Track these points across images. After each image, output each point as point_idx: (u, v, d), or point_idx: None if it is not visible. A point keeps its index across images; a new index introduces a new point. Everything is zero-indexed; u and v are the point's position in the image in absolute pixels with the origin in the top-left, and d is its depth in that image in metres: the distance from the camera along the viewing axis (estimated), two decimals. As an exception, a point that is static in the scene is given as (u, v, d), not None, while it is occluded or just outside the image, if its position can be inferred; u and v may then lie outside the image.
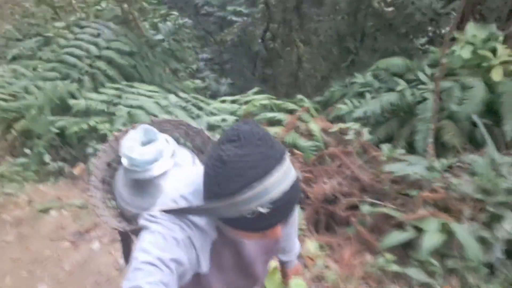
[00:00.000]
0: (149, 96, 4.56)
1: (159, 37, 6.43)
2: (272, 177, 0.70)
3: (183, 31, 7.46)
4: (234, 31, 8.05)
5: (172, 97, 4.39)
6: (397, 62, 3.92)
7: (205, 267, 0.89)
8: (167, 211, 0.84)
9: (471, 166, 2.79)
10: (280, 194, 0.71)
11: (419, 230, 2.48)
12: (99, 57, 5.38)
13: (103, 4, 6.75)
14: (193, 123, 1.60)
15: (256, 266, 1.04)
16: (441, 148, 3.47)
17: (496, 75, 3.53)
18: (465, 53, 3.55)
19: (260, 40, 7.83)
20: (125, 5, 6.14)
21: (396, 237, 2.46)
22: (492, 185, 2.63)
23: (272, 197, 0.70)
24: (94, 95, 4.65)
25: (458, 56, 3.56)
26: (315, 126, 3.29)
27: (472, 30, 3.78)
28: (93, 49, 5.36)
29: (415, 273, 2.33)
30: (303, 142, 3.23)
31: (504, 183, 2.61)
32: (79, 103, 4.47)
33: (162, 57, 6.41)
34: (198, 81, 6.66)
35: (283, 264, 1.43)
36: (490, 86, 3.59)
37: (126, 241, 1.35)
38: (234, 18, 9.10)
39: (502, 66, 3.62)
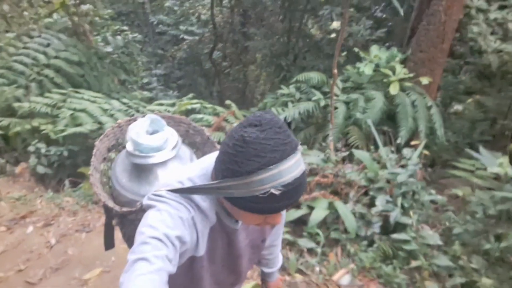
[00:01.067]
0: (93, 101, 4.87)
1: (109, 49, 6.76)
2: (287, 162, 0.75)
3: (134, 46, 7.84)
4: (183, 48, 8.50)
5: (114, 102, 4.75)
6: (313, 75, 4.52)
7: (202, 250, 0.93)
8: (175, 191, 0.88)
9: (361, 160, 3.36)
10: (292, 179, 0.76)
11: (312, 208, 2.97)
12: (47, 66, 5.63)
13: (55, 16, 7.01)
14: (195, 124, 1.64)
15: (242, 260, 1.08)
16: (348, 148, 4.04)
17: (394, 89, 4.19)
18: (368, 70, 4.20)
19: (208, 58, 8.34)
20: (76, 18, 6.45)
21: (292, 214, 2.94)
22: (375, 175, 3.19)
23: (284, 181, 0.75)
24: (39, 99, 4.89)
25: (362, 72, 4.20)
26: (236, 123, 3.75)
27: (375, 51, 4.46)
28: (41, 57, 5.60)
29: (304, 242, 2.80)
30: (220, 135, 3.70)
31: (384, 174, 3.18)
32: (23, 106, 4.71)
33: (111, 68, 6.74)
34: (146, 92, 7.01)
35: (264, 278, 1.46)
36: (389, 98, 4.25)
37: (110, 225, 1.39)
38: (186, 37, 9.60)
39: (399, 82, 4.30)
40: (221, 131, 3.77)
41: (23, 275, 2.76)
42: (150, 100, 7.59)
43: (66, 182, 4.27)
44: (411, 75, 4.29)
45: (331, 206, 2.94)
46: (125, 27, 7.62)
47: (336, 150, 3.50)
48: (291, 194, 0.78)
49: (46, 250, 3.04)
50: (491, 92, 5.10)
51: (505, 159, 2.97)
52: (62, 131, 4.37)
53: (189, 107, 4.16)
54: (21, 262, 2.92)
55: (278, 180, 0.75)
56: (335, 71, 3.35)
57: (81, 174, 4.10)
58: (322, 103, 4.32)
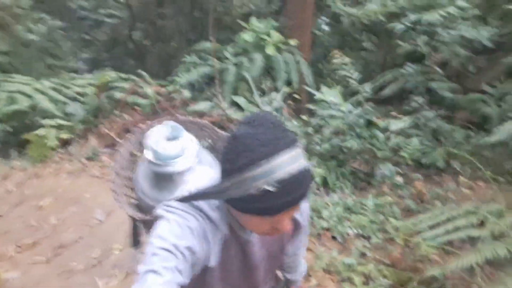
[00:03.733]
0: (25, 84, 5.68)
1: (33, 37, 7.41)
2: (280, 157, 0.73)
3: (57, 33, 8.47)
4: (104, 31, 9.24)
5: (45, 82, 5.60)
6: (209, 45, 5.65)
7: (213, 261, 0.91)
8: (181, 199, 0.88)
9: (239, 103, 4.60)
10: (287, 175, 0.73)
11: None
12: (-24, 57, 6.27)
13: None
14: (218, 129, 1.64)
15: (259, 271, 1.06)
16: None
17: (270, 50, 5.44)
18: (248, 37, 5.41)
19: (130, 39, 9.17)
20: (-2, 11, 7.03)
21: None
22: (245, 113, 4.45)
23: (278, 177, 0.73)
24: (-25, 86, 5.61)
25: (243, 39, 5.41)
26: (149, 90, 4.84)
27: (254, 21, 5.67)
28: (-31, 49, 6.23)
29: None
30: (141, 101, 4.78)
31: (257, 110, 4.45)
32: (-40, 92, 5.42)
33: (37, 55, 7.42)
34: (73, 74, 7.76)
35: (287, 285, 1.40)
36: (267, 58, 5.50)
37: (136, 228, 1.38)
38: (107, 20, 10.25)
39: (275, 45, 5.56)
40: (136, 95, 4.84)
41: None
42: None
43: (12, 151, 5.13)
44: (283, 38, 5.57)
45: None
46: (46, 15, 8.19)
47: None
48: (288, 191, 0.75)
49: (7, 194, 4.01)
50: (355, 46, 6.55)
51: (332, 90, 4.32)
52: (2, 110, 5.19)
53: (108, 78, 5.15)
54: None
55: (271, 175, 0.73)
56: (212, 38, 4.52)
57: (27, 141, 4.97)
58: (217, 66, 5.50)
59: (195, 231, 0.84)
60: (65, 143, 4.85)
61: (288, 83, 5.48)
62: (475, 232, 2.03)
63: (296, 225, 1.10)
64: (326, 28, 6.89)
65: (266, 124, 0.77)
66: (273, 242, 1.06)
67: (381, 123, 3.98)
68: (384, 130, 4.04)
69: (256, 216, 0.80)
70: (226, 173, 0.78)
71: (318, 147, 4.06)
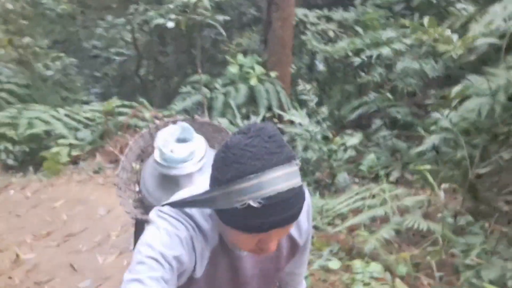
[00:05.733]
0: (44, 112, 6.59)
1: (50, 73, 8.44)
2: (271, 174, 0.70)
3: (71, 69, 9.54)
4: (113, 67, 10.33)
5: (60, 110, 6.51)
6: (203, 77, 6.57)
7: (199, 272, 0.90)
8: (171, 204, 0.87)
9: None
10: (274, 193, 0.69)
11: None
12: (1, 90, 7.27)
13: (1, 51, 8.58)
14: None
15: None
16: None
17: (253, 81, 6.34)
18: (234, 70, 6.34)
19: (136, 75, 10.23)
20: (21, 50, 8.10)
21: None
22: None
23: (266, 194, 0.69)
24: (0, 114, 6.54)
25: (230, 72, 6.34)
26: (147, 114, 5.72)
27: (240, 57, 6.61)
28: (-4, 83, 7.25)
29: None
30: (141, 123, 5.64)
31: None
32: (-11, 119, 6.35)
33: (53, 88, 8.43)
34: (85, 106, 8.73)
35: None
36: (251, 88, 6.39)
37: (139, 230, 1.29)
38: (116, 58, 11.38)
39: (258, 77, 6.46)
40: (137, 118, 5.72)
41: (11, 211, 4.50)
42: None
43: (30, 168, 5.95)
44: (264, 71, 6.48)
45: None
46: (62, 54, 9.28)
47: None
48: (275, 210, 0.70)
49: (25, 199, 4.79)
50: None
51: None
52: (22, 133, 6.07)
53: (113, 105, 6.06)
54: (11, 207, 4.66)
55: (258, 191, 0.69)
56: (199, 70, 5.43)
57: (42, 160, 5.79)
58: (208, 95, 6.39)
59: (184, 241, 0.83)
60: (75, 160, 5.67)
61: (269, 108, 6.33)
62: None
63: (294, 246, 1.05)
64: (321, 66, 7.81)
65: (262, 136, 0.72)
66: (268, 261, 1.01)
67: (338, 139, 4.76)
68: (342, 145, 4.81)
69: (240, 232, 0.76)
70: (214, 182, 0.76)
71: (286, 160, 4.83)
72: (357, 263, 2.38)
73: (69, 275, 3.31)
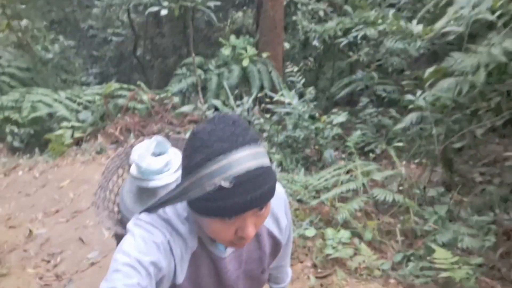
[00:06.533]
0: (45, 95, 6.87)
1: (50, 56, 8.65)
2: (238, 153, 0.71)
3: (69, 51, 9.72)
4: (110, 48, 10.50)
5: (61, 93, 6.78)
6: (196, 59, 6.79)
7: (181, 278, 0.89)
8: (148, 209, 0.87)
9: (217, 106, 5.70)
10: (243, 171, 0.71)
11: (187, 134, 5.27)
12: (3, 73, 7.51)
13: (0, 35, 8.75)
14: None
15: None
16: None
17: (245, 62, 6.57)
18: (226, 52, 6.55)
19: (133, 55, 10.42)
20: (20, 34, 8.28)
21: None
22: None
23: (235, 172, 0.70)
24: (4, 97, 6.81)
25: (224, 53, 6.55)
26: (145, 97, 5.99)
27: (232, 39, 6.80)
28: (-4, 68, 7.48)
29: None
30: (139, 105, 5.92)
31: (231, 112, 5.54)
32: (-7, 103, 6.63)
33: (53, 71, 8.66)
34: (84, 87, 8.98)
35: None
36: (243, 68, 6.63)
37: (118, 237, 1.36)
38: (113, 38, 11.52)
39: (250, 58, 6.68)
40: (135, 101, 6.00)
41: (21, 190, 4.86)
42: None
43: (36, 149, 6.28)
44: (256, 52, 6.69)
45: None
46: (60, 36, 9.44)
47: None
48: (246, 189, 0.71)
49: (34, 180, 5.14)
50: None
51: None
52: (27, 116, 6.37)
53: (112, 88, 6.33)
54: (21, 187, 5.02)
55: (227, 171, 0.70)
56: (193, 54, 5.66)
57: (46, 142, 6.12)
58: (202, 76, 6.64)
59: (161, 246, 0.82)
60: (78, 141, 5.99)
61: (262, 88, 6.59)
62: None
63: (276, 244, 1.05)
64: (317, 44, 7.98)
65: (226, 121, 0.75)
66: (251, 262, 1.01)
67: (325, 118, 5.04)
68: (329, 124, 5.10)
69: (216, 220, 0.76)
70: (184, 171, 0.78)
71: (276, 138, 5.13)
72: (329, 231, 2.73)
73: (79, 248, 3.69)
